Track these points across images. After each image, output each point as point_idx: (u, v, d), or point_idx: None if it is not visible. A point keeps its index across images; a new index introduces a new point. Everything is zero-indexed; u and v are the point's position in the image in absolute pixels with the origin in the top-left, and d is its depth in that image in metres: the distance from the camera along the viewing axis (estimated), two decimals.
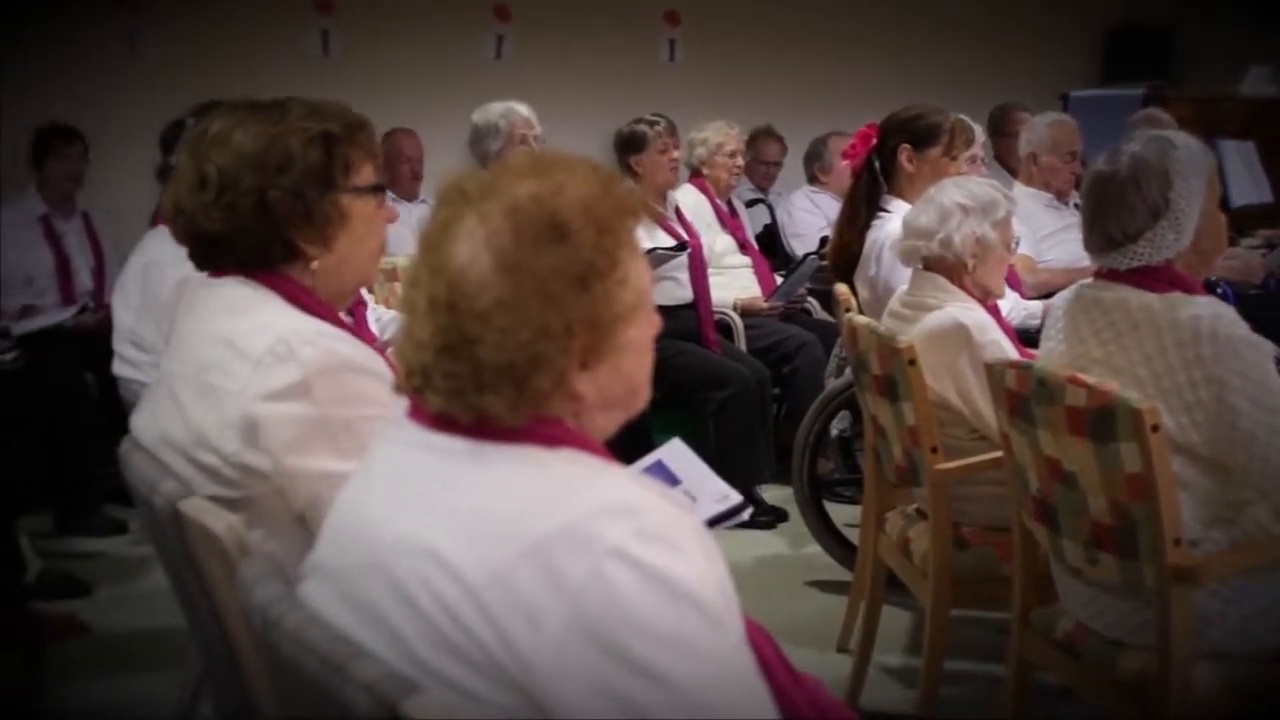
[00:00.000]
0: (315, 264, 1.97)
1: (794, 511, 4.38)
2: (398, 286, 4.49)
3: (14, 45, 5.46)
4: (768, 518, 4.60)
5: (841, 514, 4.29)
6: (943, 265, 3.15)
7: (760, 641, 1.40)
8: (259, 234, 1.93)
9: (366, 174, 2.00)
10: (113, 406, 4.10)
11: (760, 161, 6.58)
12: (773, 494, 4.79)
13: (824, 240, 5.22)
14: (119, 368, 3.27)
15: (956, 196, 3.15)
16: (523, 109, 4.54)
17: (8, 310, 5.07)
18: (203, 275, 2.01)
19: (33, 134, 5.30)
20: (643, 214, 1.38)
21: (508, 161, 1.37)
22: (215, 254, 1.97)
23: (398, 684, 1.14)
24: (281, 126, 1.92)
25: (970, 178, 3.41)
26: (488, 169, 1.38)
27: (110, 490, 4.73)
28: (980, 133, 4.19)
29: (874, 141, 3.93)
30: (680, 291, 4.93)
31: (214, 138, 1.94)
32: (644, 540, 1.21)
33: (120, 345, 3.27)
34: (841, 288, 3.83)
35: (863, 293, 3.82)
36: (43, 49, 5.55)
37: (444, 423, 1.31)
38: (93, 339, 4.62)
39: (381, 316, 3.82)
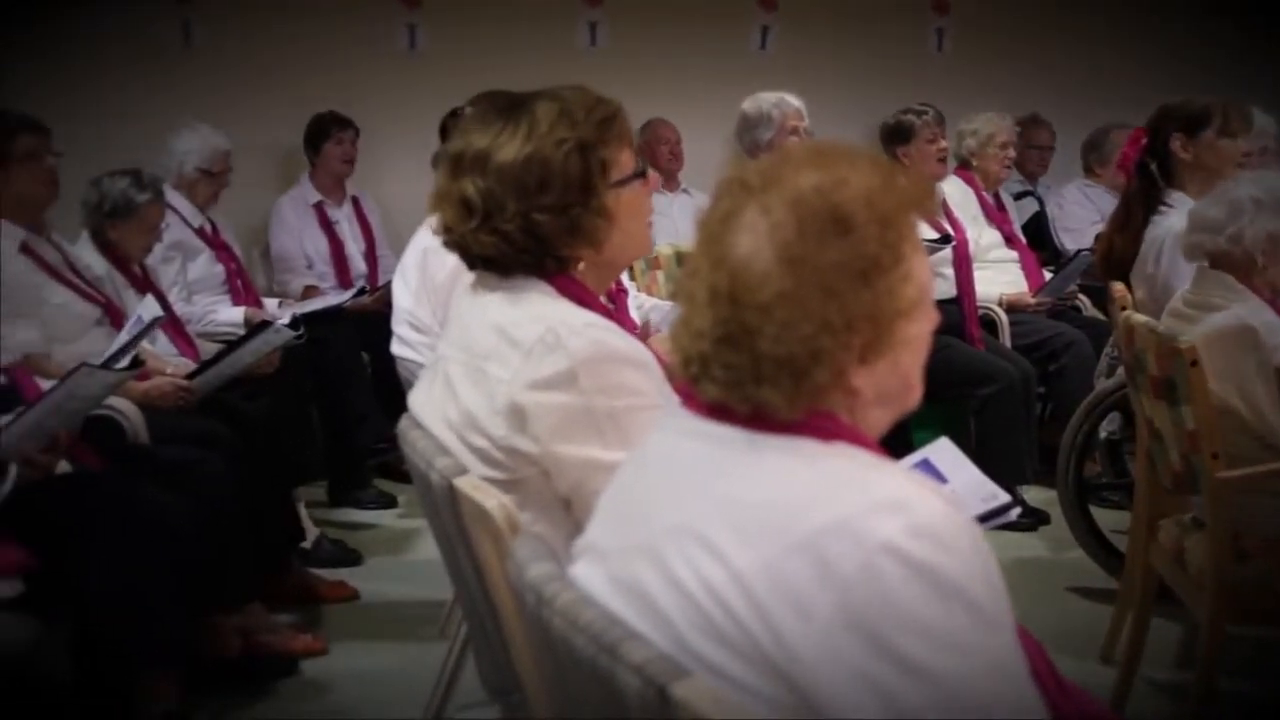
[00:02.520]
0: (581, 266, 2.01)
1: (1056, 514, 4.25)
2: (660, 275, 4.55)
3: (294, 38, 5.74)
4: (1029, 520, 4.47)
5: (1107, 519, 4.14)
6: (1230, 262, 2.99)
7: (1026, 645, 1.36)
8: (530, 253, 1.97)
9: (624, 163, 2.01)
10: (387, 386, 4.28)
11: (1032, 146, 6.36)
12: (1034, 495, 4.65)
13: (1098, 236, 5.03)
14: (397, 348, 3.39)
15: (1251, 190, 2.99)
16: (794, 100, 4.52)
17: (292, 292, 5.36)
18: None
19: (309, 123, 5.56)
20: (927, 207, 1.35)
21: (789, 153, 1.36)
22: (491, 269, 2.03)
23: (667, 667, 1.15)
24: (535, 142, 1.95)
25: (1266, 172, 3.23)
26: (764, 159, 1.37)
27: (381, 465, 4.96)
28: (1272, 124, 3.97)
29: (1144, 141, 3.79)
30: (944, 286, 4.83)
31: (473, 159, 1.98)
32: (916, 536, 1.19)
33: (398, 326, 3.39)
34: (1118, 285, 3.69)
35: (1139, 291, 3.67)
36: (324, 41, 5.81)
37: (719, 412, 1.32)
38: (368, 320, 4.83)
39: (643, 304, 3.87)
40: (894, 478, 1.27)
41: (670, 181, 5.96)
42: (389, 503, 4.83)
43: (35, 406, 2.65)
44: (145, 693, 2.70)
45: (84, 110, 5.10)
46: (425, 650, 3.37)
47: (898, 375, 1.35)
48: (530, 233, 1.95)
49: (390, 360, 3.51)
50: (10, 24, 5.23)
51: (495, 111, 2.01)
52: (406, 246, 3.55)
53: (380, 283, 5.28)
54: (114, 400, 3.27)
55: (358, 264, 5.55)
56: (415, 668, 3.28)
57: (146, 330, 3.56)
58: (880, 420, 1.38)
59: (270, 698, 3.28)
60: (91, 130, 4.88)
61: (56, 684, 2.12)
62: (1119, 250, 3.76)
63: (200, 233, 4.90)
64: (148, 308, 3.71)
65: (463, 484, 1.76)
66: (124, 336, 3.57)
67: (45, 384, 3.01)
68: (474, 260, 2.02)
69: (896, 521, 1.19)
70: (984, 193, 5.34)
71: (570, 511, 1.91)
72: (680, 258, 4.56)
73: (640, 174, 2.04)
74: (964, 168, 5.36)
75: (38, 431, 2.64)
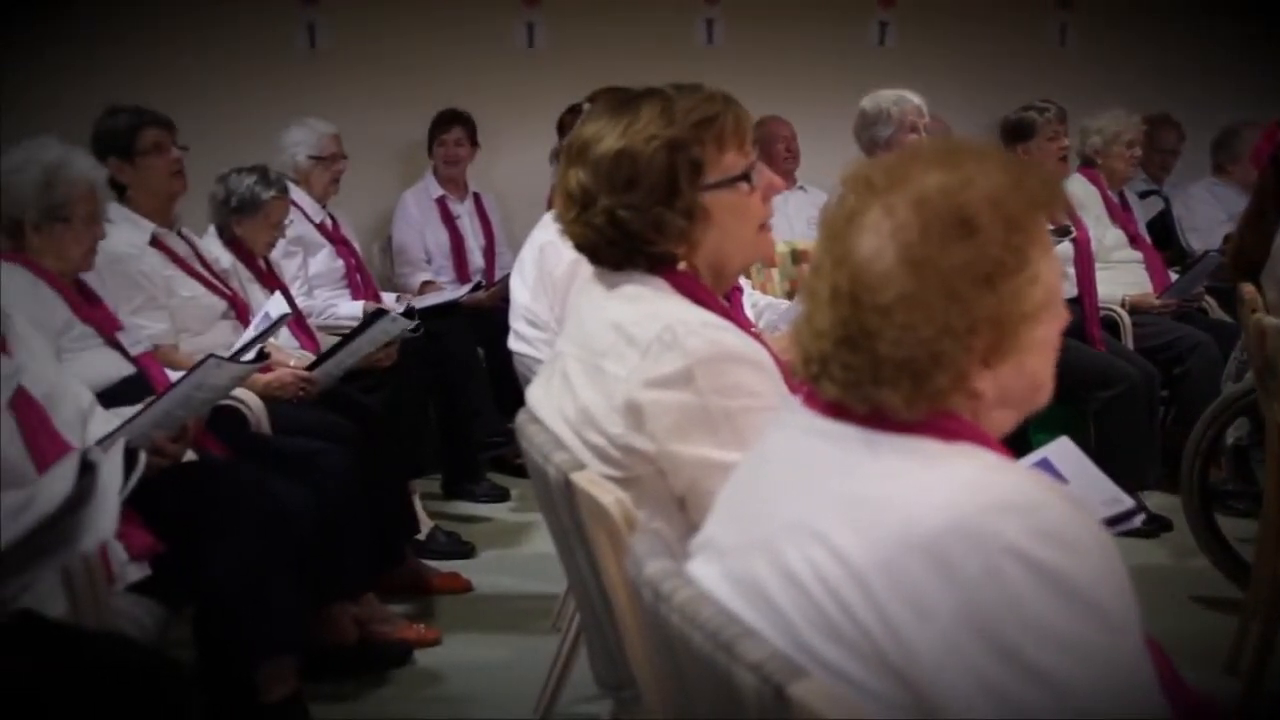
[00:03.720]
0: (682, 265, 2.00)
1: (1179, 521, 4.13)
2: (775, 273, 4.52)
3: (415, 37, 5.82)
4: (1151, 526, 4.37)
5: (1233, 528, 4.02)
6: None
7: (1153, 653, 1.33)
8: (619, 247, 1.98)
9: (728, 163, 1.98)
10: (502, 380, 4.31)
11: (1156, 150, 6.22)
12: (1156, 501, 4.54)
13: (1227, 236, 4.91)
14: (514, 343, 3.42)
15: None
16: (914, 97, 4.46)
17: (410, 286, 5.44)
18: None
19: (431, 120, 5.63)
20: (1058, 208, 1.32)
21: (916, 151, 1.34)
22: (597, 262, 2.04)
23: (785, 666, 1.14)
24: (629, 138, 1.95)
25: None
26: (891, 157, 1.35)
27: (495, 459, 5.01)
28: None
29: (1279, 137, 3.68)
30: (1064, 285, 4.73)
31: (580, 148, 2.00)
32: (1041, 539, 1.17)
33: (516, 322, 3.42)
34: (1247, 286, 3.58)
35: (1270, 293, 3.56)
36: (444, 40, 5.88)
37: (839, 411, 1.31)
38: (484, 315, 4.88)
39: (758, 302, 3.86)
40: (1018, 479, 1.25)
41: (786, 178, 5.93)
42: (502, 496, 4.87)
43: (164, 396, 2.71)
44: (264, 679, 2.75)
45: (213, 109, 5.23)
46: (537, 643, 3.40)
47: (1023, 378, 1.32)
48: (617, 227, 1.95)
49: (505, 355, 3.54)
50: (143, 26, 5.38)
51: (610, 105, 2.02)
52: (524, 243, 3.57)
53: (496, 278, 5.33)
54: (238, 392, 3.34)
55: (475, 259, 5.61)
56: (527, 661, 3.31)
57: (274, 327, 3.64)
58: (1005, 421, 1.35)
59: (385, 686, 3.33)
60: (220, 129, 5.00)
61: (179, 668, 2.16)
62: (1249, 250, 3.67)
63: (321, 228, 4.99)
64: (276, 305, 3.79)
65: (580, 479, 1.77)
66: (251, 332, 3.65)
67: (173, 375, 3.09)
68: (579, 249, 2.04)
69: (1021, 523, 1.17)
70: (1108, 191, 5.23)
71: (684, 510, 1.91)
72: (795, 255, 4.53)
73: (742, 177, 2.01)
74: (1088, 166, 5.25)
75: (166, 421, 2.71)
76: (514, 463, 4.89)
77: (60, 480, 1.19)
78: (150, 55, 5.35)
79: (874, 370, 1.26)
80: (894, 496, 1.23)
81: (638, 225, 1.95)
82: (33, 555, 1.21)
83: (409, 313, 4.18)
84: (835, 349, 1.28)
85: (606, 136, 1.96)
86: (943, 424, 1.28)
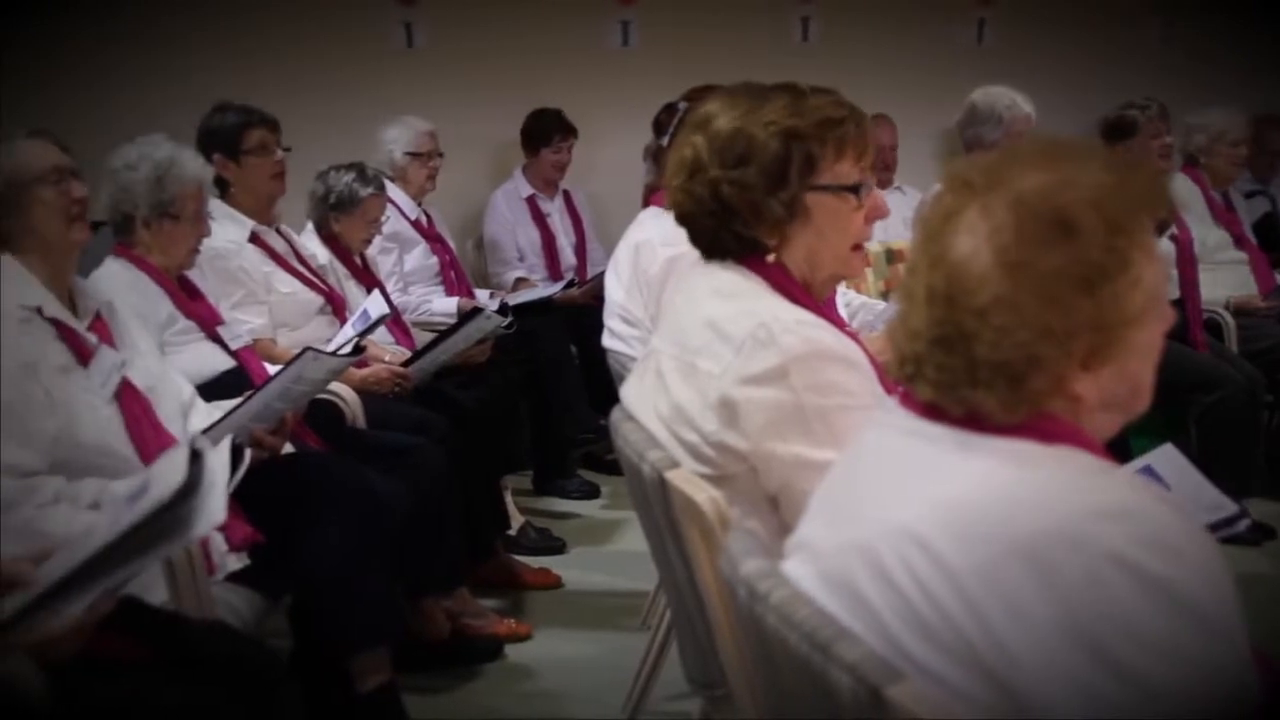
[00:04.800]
0: (771, 257, 1.99)
1: None
2: (869, 272, 4.49)
3: (509, 37, 5.86)
4: (1254, 534, 4.27)
5: None
6: None
7: (1258, 662, 1.30)
8: (715, 220, 1.98)
9: (841, 171, 1.98)
10: (594, 377, 4.33)
11: (1263, 150, 6.07)
12: (1260, 509, 4.43)
13: None
14: (608, 340, 3.43)
15: None
16: (1027, 105, 4.37)
17: (503, 283, 5.47)
18: (692, 255, 2.09)
19: (525, 118, 5.66)
20: (1163, 209, 1.30)
21: (1016, 150, 1.32)
22: (695, 242, 2.04)
23: (881, 668, 1.14)
24: (751, 118, 1.95)
25: None
26: (991, 157, 1.33)
27: (586, 456, 5.03)
28: None
29: None
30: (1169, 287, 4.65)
31: (700, 119, 2.01)
32: (1143, 545, 1.15)
33: (610, 319, 3.43)
34: None
35: None
36: (538, 40, 5.91)
37: (934, 412, 1.29)
38: (577, 312, 4.90)
39: (851, 302, 3.83)
40: (1121, 483, 1.23)
41: (882, 178, 5.88)
42: (593, 493, 4.89)
43: (263, 389, 2.76)
44: (358, 668, 2.79)
45: (311, 107, 5.29)
46: (627, 640, 3.41)
47: (1125, 382, 1.30)
48: (718, 200, 1.96)
49: (597, 352, 3.55)
50: (246, 26, 5.47)
51: (745, 89, 2.02)
52: (617, 240, 3.59)
53: (589, 275, 5.35)
54: (335, 386, 3.38)
55: (567, 256, 5.64)
56: (617, 657, 3.31)
57: (373, 327, 3.69)
58: (1106, 425, 1.33)
59: (476, 680, 3.36)
60: (318, 126, 5.07)
61: (276, 657, 2.20)
62: None
63: (416, 225, 5.04)
64: (374, 304, 3.84)
65: (674, 477, 1.77)
66: (349, 330, 3.71)
67: (272, 368, 3.14)
68: (679, 219, 2.05)
69: (1123, 529, 1.16)
70: (1212, 191, 5.12)
71: (777, 509, 1.91)
72: (890, 255, 4.50)
73: (852, 189, 1.99)
74: (1191, 165, 5.15)
75: (265, 413, 2.75)
76: (605, 459, 4.91)
77: (173, 469, 1.22)
78: (250, 53, 5.44)
79: (969, 372, 1.24)
80: (992, 499, 1.21)
81: (738, 203, 1.95)
82: (144, 543, 1.24)
83: (503, 309, 4.21)
84: (930, 350, 1.27)
85: (730, 113, 1.97)
86: (1042, 426, 1.26)
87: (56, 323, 2.54)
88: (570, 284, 5.19)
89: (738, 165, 1.95)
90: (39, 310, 2.52)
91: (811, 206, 1.97)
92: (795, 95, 1.98)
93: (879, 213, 2.06)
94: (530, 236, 5.59)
